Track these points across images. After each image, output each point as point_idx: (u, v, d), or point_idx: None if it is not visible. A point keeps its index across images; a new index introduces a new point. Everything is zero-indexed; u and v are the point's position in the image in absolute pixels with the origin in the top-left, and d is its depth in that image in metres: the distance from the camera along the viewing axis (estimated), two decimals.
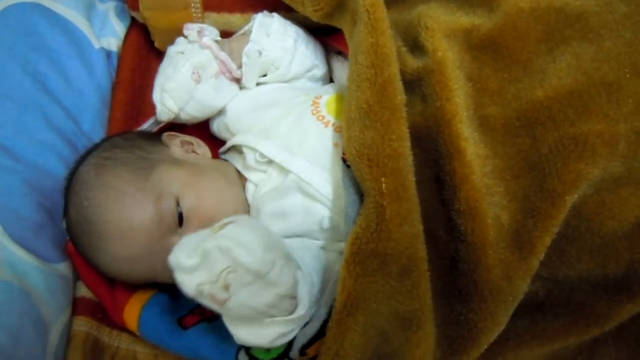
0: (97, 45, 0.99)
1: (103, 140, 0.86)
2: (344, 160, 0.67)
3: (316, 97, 0.81)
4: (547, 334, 0.74)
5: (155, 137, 0.86)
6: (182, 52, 0.81)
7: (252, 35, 0.83)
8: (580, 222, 0.68)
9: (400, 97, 0.66)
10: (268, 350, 0.71)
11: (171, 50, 0.83)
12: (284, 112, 0.81)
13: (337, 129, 0.75)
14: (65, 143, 0.89)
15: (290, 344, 0.68)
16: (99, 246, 0.74)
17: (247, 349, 0.73)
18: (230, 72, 0.83)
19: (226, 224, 0.59)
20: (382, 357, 0.68)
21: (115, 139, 0.84)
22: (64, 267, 0.83)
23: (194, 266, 0.57)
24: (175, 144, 0.84)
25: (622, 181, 0.67)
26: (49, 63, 0.92)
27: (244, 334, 0.62)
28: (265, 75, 0.85)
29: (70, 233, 0.79)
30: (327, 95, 0.81)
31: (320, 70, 0.89)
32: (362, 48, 0.67)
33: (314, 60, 0.88)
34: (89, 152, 0.82)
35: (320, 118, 0.77)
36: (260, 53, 0.83)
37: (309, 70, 0.88)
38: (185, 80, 0.79)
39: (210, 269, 0.57)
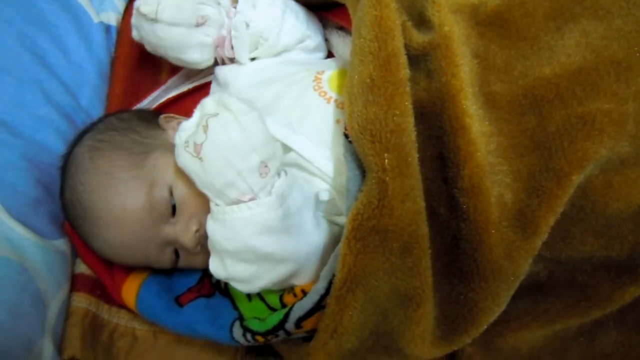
0: (96, 20, 0.98)
1: (99, 120, 0.85)
2: (346, 136, 0.66)
3: (318, 73, 0.80)
4: (548, 316, 0.74)
5: (152, 118, 0.84)
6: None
7: (239, 7, 0.82)
8: (586, 202, 0.67)
9: (404, 71, 0.65)
10: (263, 321, 0.71)
11: None
12: (285, 88, 0.80)
13: (340, 105, 0.75)
14: (64, 118, 0.88)
15: (286, 316, 0.68)
16: (93, 231, 0.74)
17: (242, 322, 0.73)
18: (224, 51, 0.84)
19: None
20: (381, 335, 0.68)
21: (111, 119, 0.83)
22: (62, 244, 0.83)
23: (192, 122, 0.66)
24: (172, 127, 0.82)
25: (629, 162, 0.66)
26: (47, 37, 0.91)
27: (231, 264, 0.67)
28: (257, 49, 0.85)
29: (66, 214, 0.79)
30: (330, 71, 0.80)
31: (312, 41, 0.88)
32: (365, 21, 0.66)
33: (305, 31, 0.86)
34: (84, 132, 0.81)
35: (323, 94, 0.76)
36: (247, 25, 0.82)
37: (300, 41, 0.87)
38: (189, 13, 0.81)
39: (201, 110, 0.65)
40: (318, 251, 0.70)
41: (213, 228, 0.67)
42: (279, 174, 0.67)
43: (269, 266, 0.67)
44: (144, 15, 0.80)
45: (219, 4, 0.84)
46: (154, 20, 0.80)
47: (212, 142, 0.63)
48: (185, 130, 0.66)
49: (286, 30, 0.84)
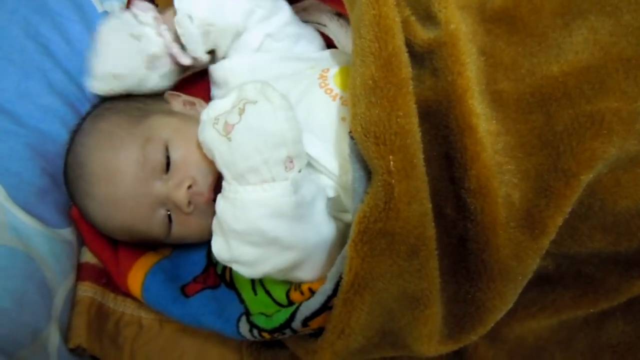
0: (100, 9, 0.97)
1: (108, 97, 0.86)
2: (352, 136, 0.65)
3: (323, 70, 0.78)
4: (555, 306, 0.74)
5: (158, 95, 0.86)
6: (137, 38, 0.81)
7: (176, 3, 0.79)
8: (594, 200, 0.66)
9: (406, 70, 0.63)
10: (269, 317, 0.71)
11: (120, 25, 0.82)
12: (291, 85, 0.78)
13: (345, 103, 0.73)
14: (68, 108, 0.88)
15: (292, 315, 0.68)
16: (88, 190, 0.75)
17: (248, 317, 0.73)
18: (178, 60, 0.83)
19: None
20: (388, 333, 0.68)
21: (119, 97, 0.84)
22: (68, 233, 0.84)
23: (226, 102, 0.67)
24: (177, 101, 0.84)
25: (638, 160, 0.65)
26: (51, 26, 0.91)
27: (236, 245, 0.67)
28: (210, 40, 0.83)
29: (66, 183, 0.80)
30: (335, 68, 0.78)
31: (264, 9, 0.83)
32: (364, 21, 0.65)
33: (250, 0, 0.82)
34: (94, 108, 0.83)
35: (329, 91, 0.75)
36: (190, 17, 0.79)
37: (251, 13, 0.82)
38: (138, 70, 0.81)
39: (239, 93, 0.66)
40: (326, 244, 0.70)
41: (223, 207, 0.67)
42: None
43: (275, 252, 0.67)
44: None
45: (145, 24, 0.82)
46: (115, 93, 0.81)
47: (246, 126, 0.63)
48: (215, 108, 0.67)
49: (230, 7, 0.81)
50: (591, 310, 0.75)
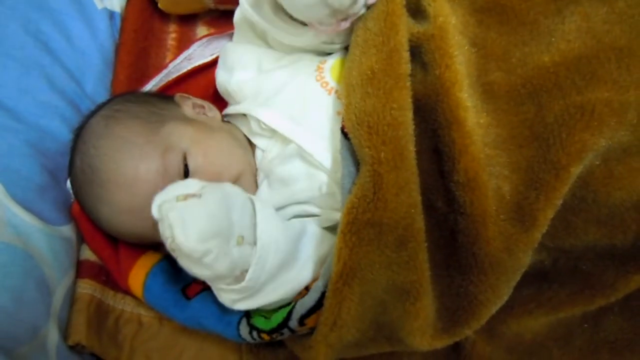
0: (99, 6, 0.98)
1: (114, 96, 0.86)
2: (344, 134, 0.65)
3: (320, 62, 0.78)
4: (552, 304, 0.74)
5: (167, 96, 0.85)
6: None
7: None
8: (587, 192, 0.66)
9: (405, 67, 0.64)
10: (268, 318, 0.71)
11: None
12: (288, 78, 0.78)
13: (340, 97, 0.73)
14: (68, 105, 0.89)
15: (289, 314, 0.69)
16: (103, 196, 0.74)
17: (248, 319, 0.73)
18: None
19: (193, 195, 0.61)
20: (382, 326, 0.68)
21: (127, 95, 0.84)
22: (67, 230, 0.83)
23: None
24: (187, 104, 0.84)
25: (631, 151, 0.65)
26: (51, 23, 0.92)
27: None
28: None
29: (73, 183, 0.80)
30: (332, 60, 0.77)
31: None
32: (373, 14, 0.65)
33: None
34: (100, 107, 0.82)
35: (324, 85, 0.75)
36: None
37: None
38: None
39: (161, 231, 0.61)
40: (309, 279, 0.70)
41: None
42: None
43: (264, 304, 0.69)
44: None
45: None
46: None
47: (183, 265, 0.62)
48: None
49: None
50: (588, 308, 0.75)
